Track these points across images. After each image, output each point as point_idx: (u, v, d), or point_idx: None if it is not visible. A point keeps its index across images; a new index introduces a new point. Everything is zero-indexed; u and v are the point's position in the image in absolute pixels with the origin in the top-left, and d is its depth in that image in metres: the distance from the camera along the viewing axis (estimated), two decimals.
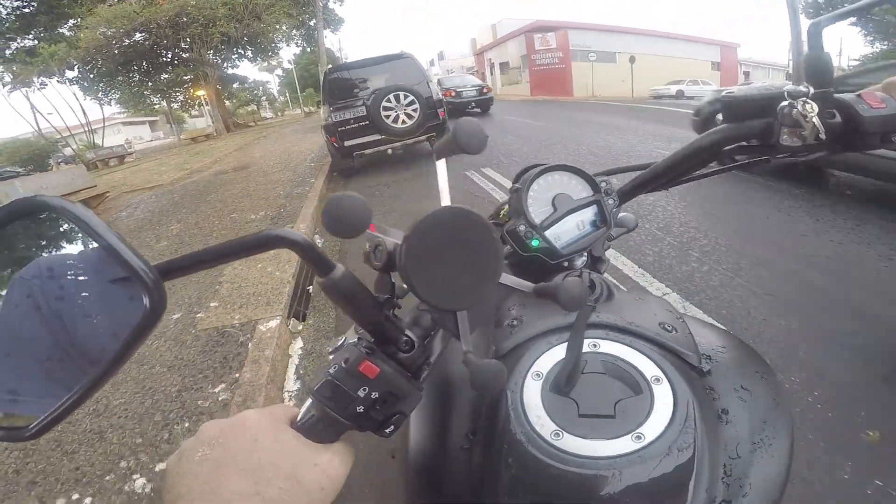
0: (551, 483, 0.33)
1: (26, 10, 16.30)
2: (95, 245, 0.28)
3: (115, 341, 0.29)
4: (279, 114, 56.33)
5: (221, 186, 6.98)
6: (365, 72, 6.49)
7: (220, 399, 1.86)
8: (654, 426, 0.34)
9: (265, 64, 24.13)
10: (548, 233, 0.55)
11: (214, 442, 0.31)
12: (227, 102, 23.67)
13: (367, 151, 6.19)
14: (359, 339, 0.36)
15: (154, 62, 17.97)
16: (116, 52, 15.66)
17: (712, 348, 0.46)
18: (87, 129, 18.54)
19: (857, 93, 0.50)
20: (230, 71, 20.96)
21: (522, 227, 0.55)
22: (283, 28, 18.11)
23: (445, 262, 0.32)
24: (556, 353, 0.40)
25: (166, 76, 19.00)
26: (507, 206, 0.59)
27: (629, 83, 24.45)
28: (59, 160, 14.27)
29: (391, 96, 5.87)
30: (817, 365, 1.77)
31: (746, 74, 36.26)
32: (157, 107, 24.30)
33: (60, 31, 16.49)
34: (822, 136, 0.48)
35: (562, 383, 0.37)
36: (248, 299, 2.74)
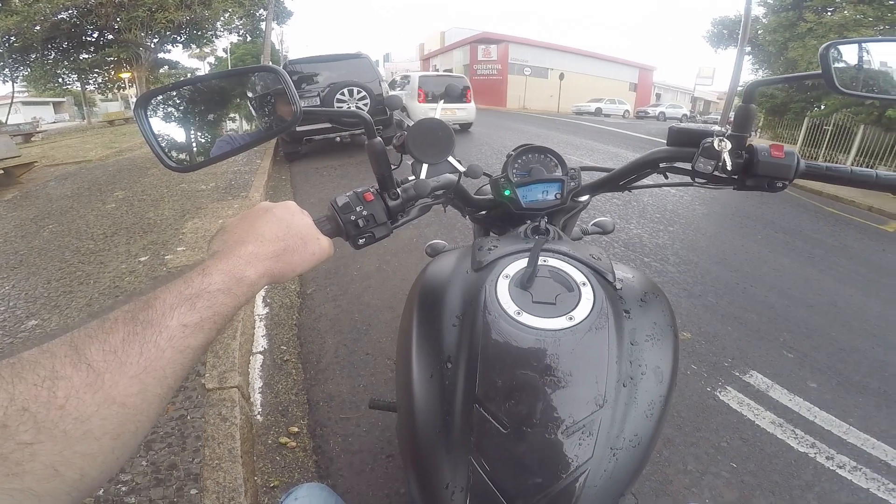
0: (514, 344, 0.46)
1: None
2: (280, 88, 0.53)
3: (262, 132, 0.55)
4: None
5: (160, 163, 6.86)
6: (322, 67, 6.86)
7: None
8: (581, 312, 0.49)
9: (197, 51, 22.79)
10: (519, 190, 0.71)
11: (263, 205, 0.46)
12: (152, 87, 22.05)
13: (317, 138, 6.56)
14: (372, 187, 0.57)
15: (77, 41, 16.56)
16: (38, 28, 14.24)
17: (626, 276, 0.58)
18: None
19: (771, 143, 0.58)
20: (161, 55, 19.74)
21: (502, 179, 0.72)
22: (228, 16, 17.42)
23: (424, 140, 0.62)
24: (519, 264, 0.55)
25: (87, 56, 17.68)
26: None
27: (556, 98, 25.86)
28: None
29: (345, 90, 6.32)
30: None
31: (658, 96, 38.47)
32: (69, 87, 22.06)
33: None
34: (728, 169, 0.58)
35: (523, 281, 0.52)
36: None
